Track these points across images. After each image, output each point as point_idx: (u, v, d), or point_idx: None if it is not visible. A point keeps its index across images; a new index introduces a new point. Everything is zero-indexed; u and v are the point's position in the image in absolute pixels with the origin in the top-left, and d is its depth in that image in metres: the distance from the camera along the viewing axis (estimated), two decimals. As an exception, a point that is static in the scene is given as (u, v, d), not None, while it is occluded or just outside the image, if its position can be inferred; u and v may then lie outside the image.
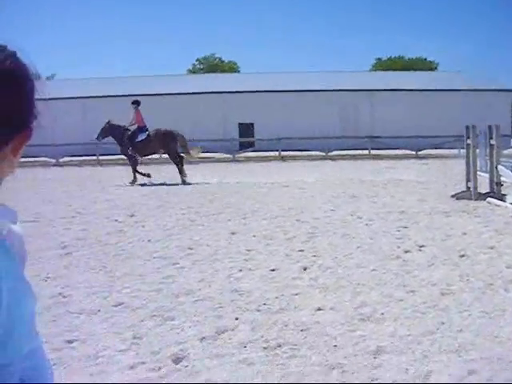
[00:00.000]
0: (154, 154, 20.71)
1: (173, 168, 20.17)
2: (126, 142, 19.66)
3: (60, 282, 6.80)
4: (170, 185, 18.28)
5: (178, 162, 19.68)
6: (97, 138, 20.70)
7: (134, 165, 19.69)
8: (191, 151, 20.60)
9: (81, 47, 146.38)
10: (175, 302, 5.90)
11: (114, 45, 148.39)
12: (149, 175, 19.39)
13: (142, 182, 19.19)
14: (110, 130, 20.23)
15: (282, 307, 5.55)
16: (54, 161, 32.25)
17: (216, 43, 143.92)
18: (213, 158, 32.32)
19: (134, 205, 13.72)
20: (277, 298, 5.85)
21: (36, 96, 1.13)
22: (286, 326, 5.02)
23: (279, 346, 4.56)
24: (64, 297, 6.18)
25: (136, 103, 20.16)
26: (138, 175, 19.40)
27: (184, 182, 18.91)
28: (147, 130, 19.85)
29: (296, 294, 5.95)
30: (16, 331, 1.02)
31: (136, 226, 10.68)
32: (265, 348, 4.54)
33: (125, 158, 20.70)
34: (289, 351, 4.45)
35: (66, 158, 32.95)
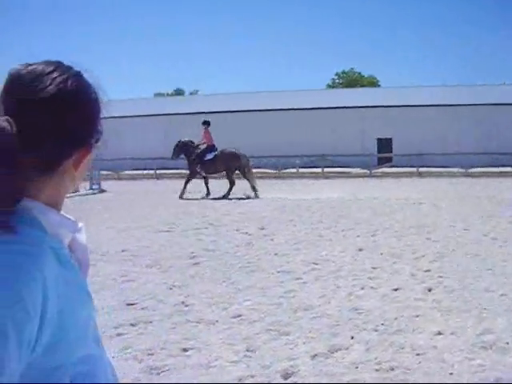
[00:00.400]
0: (218, 172, 20.86)
1: (303, 182, 20.26)
2: (196, 159, 20.37)
3: (184, 291, 7.02)
4: (299, 200, 18.29)
5: (232, 183, 20.12)
6: (172, 158, 21.44)
7: (190, 178, 20.64)
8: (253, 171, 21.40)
9: (225, 62, 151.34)
10: (293, 316, 5.89)
11: (255, 60, 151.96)
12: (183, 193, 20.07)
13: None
14: (183, 148, 20.86)
15: (400, 328, 5.35)
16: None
17: (356, 58, 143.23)
18: (349, 173, 32.09)
19: (265, 218, 13.87)
20: (396, 318, 5.65)
21: (100, 114, 1.22)
22: (401, 348, 4.83)
23: (392, 369, 4.39)
24: (186, 306, 6.36)
25: (206, 123, 20.83)
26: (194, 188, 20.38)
27: (255, 196, 19.42)
28: (216, 150, 20.48)
29: (416, 316, 5.71)
30: (67, 336, 1.07)
31: (265, 239, 10.79)
32: (377, 370, 4.39)
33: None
34: (401, 375, 4.28)
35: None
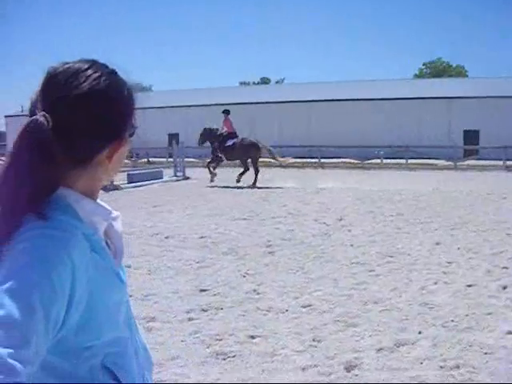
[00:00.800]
0: (238, 159, 21.49)
1: (386, 173, 19.95)
2: (217, 145, 21.12)
3: (257, 279, 7.15)
4: (381, 191, 18.06)
5: (257, 171, 20.56)
6: (198, 144, 22.33)
7: (211, 163, 21.57)
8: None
9: (312, 51, 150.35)
10: (362, 309, 5.90)
11: (341, 49, 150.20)
12: (214, 174, 21.10)
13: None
14: (206, 134, 21.59)
15: (469, 326, 5.27)
16: (277, 162, 33.48)
17: (444, 47, 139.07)
18: (434, 165, 31.33)
19: (345, 209, 13.83)
20: (467, 315, 5.56)
21: (134, 110, 1.30)
22: (469, 346, 4.77)
23: (457, 366, 4.35)
24: (258, 293, 6.49)
25: (226, 112, 21.72)
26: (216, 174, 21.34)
27: (252, 187, 19.77)
28: (237, 137, 21.21)
29: (488, 314, 5.60)
30: (97, 318, 1.16)
31: (342, 230, 10.79)
32: (441, 367, 4.36)
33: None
34: (466, 374, 4.23)
35: (291, 160, 34.04)
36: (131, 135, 1.31)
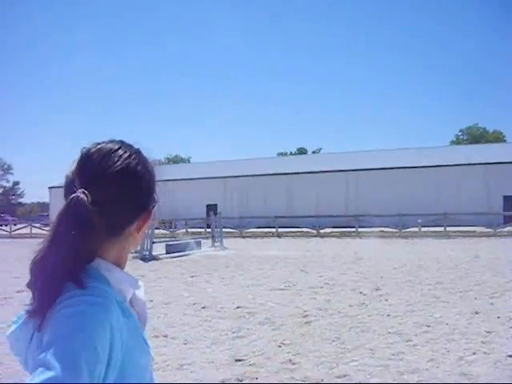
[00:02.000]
0: None
1: (424, 242, 19.71)
2: None
3: (293, 349, 7.14)
4: (420, 259, 17.87)
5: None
6: None
7: None
8: None
9: (348, 121, 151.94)
10: (399, 379, 5.84)
11: (377, 118, 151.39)
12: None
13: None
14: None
15: (508, 397, 5.19)
16: (315, 231, 33.56)
17: (480, 113, 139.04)
18: (473, 232, 30.95)
19: (383, 278, 13.74)
20: (507, 387, 5.47)
21: (156, 185, 1.44)
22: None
23: None
24: (293, 364, 6.48)
25: None
26: None
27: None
28: None
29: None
30: (128, 380, 1.22)
31: (379, 300, 10.71)
32: None
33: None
34: None
35: (327, 230, 34.05)
36: (153, 207, 1.42)
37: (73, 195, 1.22)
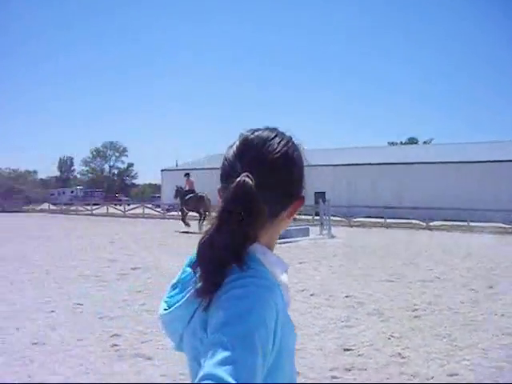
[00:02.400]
0: (194, 210, 26.77)
1: None
2: (181, 200, 27.38)
3: (402, 342, 7.12)
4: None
5: (203, 219, 25.32)
6: (174, 198, 29.38)
7: (182, 215, 27.60)
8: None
9: (461, 111, 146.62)
10: (513, 382, 5.69)
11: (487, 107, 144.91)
12: (188, 225, 26.18)
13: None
14: (177, 191, 27.97)
15: None
16: (424, 224, 32.72)
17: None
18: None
19: (496, 275, 13.24)
20: None
21: (303, 170, 1.49)
22: None
23: None
24: (402, 357, 6.46)
25: (186, 175, 28.08)
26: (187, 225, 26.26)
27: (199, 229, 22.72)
28: (192, 193, 26.96)
29: None
30: (283, 363, 1.26)
31: (492, 299, 10.34)
32: None
33: None
34: None
35: (437, 222, 33.11)
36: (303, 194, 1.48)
37: (239, 178, 1.26)
